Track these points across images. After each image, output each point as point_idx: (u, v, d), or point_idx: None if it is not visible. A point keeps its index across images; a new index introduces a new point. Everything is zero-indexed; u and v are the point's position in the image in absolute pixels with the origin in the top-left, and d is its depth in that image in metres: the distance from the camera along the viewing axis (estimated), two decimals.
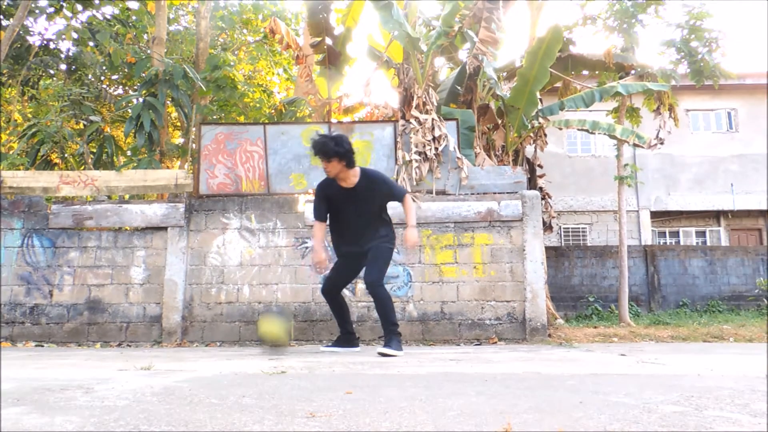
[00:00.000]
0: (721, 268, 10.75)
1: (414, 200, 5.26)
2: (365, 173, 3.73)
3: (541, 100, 7.60)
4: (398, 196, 3.77)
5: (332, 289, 3.89)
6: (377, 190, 3.71)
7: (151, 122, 6.50)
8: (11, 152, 7.39)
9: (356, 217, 3.70)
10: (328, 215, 3.78)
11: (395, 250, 5.25)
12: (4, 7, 9.26)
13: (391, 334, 3.60)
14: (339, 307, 3.93)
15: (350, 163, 3.63)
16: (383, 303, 3.65)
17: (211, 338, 5.10)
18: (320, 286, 5.10)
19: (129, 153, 8.56)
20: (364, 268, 3.76)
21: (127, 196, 6.03)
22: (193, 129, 7.92)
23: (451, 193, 5.39)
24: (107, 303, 5.21)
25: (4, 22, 8.95)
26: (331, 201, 3.72)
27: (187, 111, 7.57)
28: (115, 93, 10.85)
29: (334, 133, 4.08)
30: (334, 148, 3.54)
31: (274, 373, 2.43)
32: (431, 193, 5.38)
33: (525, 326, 5.02)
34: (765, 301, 10.07)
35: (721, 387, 1.99)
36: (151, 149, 6.80)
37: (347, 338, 3.98)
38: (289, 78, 13.04)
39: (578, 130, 7.17)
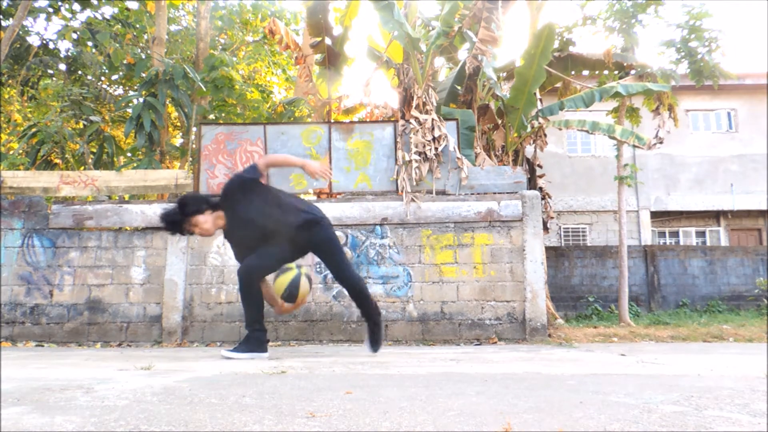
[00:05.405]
0: (721, 268, 10.75)
1: (414, 200, 5.26)
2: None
3: (540, 100, 7.61)
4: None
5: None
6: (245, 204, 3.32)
7: (151, 122, 6.50)
8: (11, 152, 7.39)
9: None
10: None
11: (396, 250, 5.32)
12: (4, 7, 9.26)
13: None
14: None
15: (215, 207, 3.31)
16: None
17: (211, 338, 5.10)
18: (320, 285, 5.14)
19: (129, 153, 8.57)
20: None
21: (127, 196, 6.03)
22: (193, 129, 7.92)
23: (451, 193, 5.39)
24: (107, 303, 5.21)
25: (4, 23, 8.96)
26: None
27: (187, 111, 7.58)
28: (115, 93, 10.85)
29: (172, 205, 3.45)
30: (183, 211, 3.21)
31: (274, 373, 2.43)
32: (431, 193, 5.38)
33: (525, 326, 5.02)
34: (765, 301, 10.07)
35: (721, 387, 1.99)
36: (151, 149, 6.80)
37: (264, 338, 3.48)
38: (288, 78, 13.05)
39: (578, 130, 7.16)
